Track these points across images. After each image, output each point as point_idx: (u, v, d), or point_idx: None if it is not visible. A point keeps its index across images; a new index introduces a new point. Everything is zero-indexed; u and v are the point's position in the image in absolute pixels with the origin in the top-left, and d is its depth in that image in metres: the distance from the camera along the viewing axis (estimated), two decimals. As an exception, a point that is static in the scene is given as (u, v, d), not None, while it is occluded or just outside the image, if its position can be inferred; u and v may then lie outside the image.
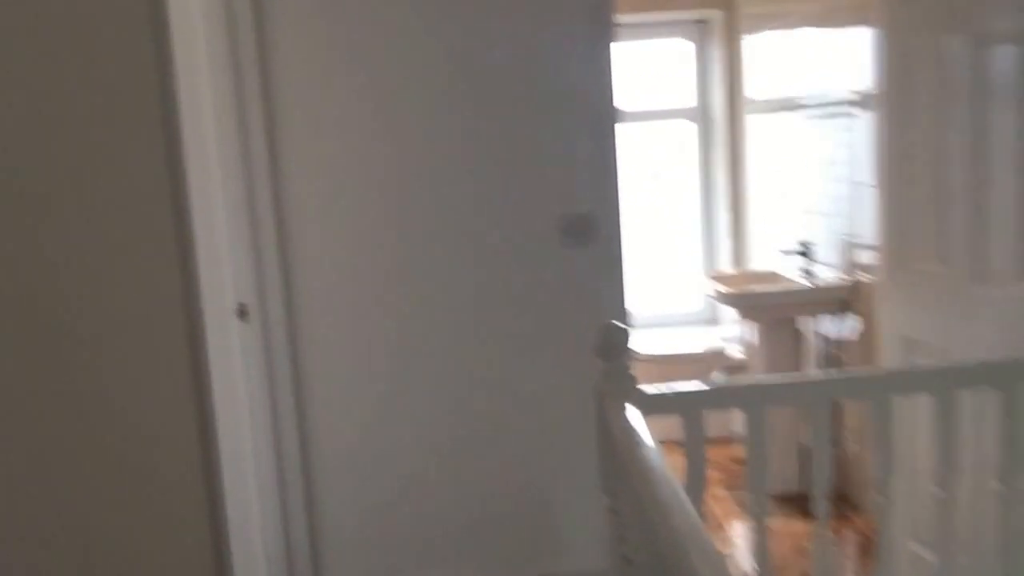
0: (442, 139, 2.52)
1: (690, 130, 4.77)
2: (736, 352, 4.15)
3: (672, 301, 4.87)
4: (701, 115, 4.74)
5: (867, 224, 3.03)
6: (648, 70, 4.75)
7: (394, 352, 2.58)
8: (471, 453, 2.64)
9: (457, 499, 2.65)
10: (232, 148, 2.43)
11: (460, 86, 2.51)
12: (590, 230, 2.53)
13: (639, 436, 1.46)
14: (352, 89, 2.50)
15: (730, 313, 3.77)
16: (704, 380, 4.21)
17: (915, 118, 2.43)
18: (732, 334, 4.30)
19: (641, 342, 4.21)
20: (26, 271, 1.98)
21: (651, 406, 1.75)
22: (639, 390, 1.76)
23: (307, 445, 2.60)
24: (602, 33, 2.49)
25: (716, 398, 1.99)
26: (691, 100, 4.74)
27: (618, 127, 2.52)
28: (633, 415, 1.62)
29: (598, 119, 2.50)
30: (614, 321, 1.76)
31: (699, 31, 4.69)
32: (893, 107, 2.50)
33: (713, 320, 4.74)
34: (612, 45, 2.48)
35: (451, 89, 2.51)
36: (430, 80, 2.50)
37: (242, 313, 2.45)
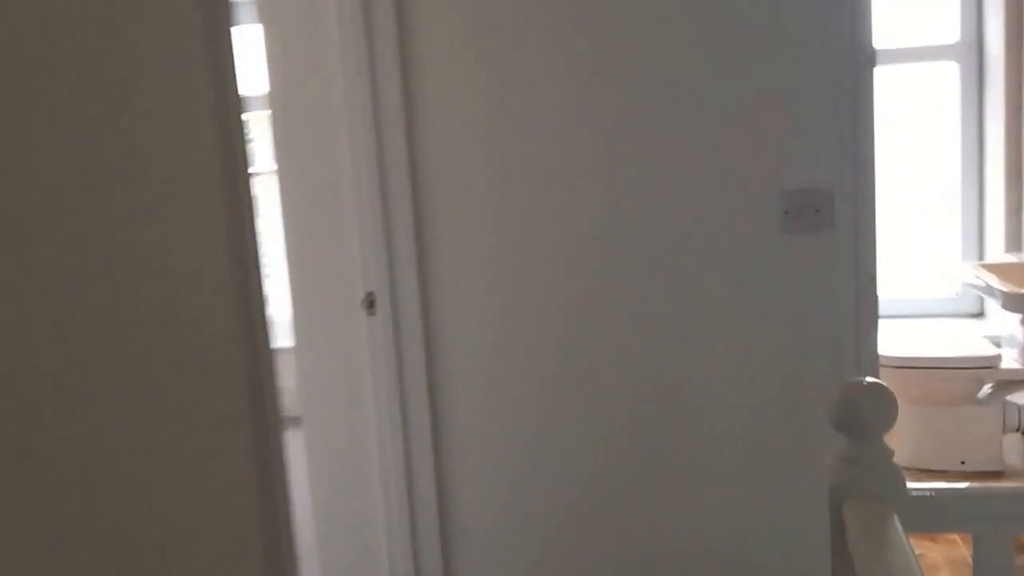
0: (620, 93, 1.84)
1: (951, 73, 3.78)
2: (1013, 361, 3.21)
3: (922, 285, 3.94)
4: (967, 53, 3.74)
5: None
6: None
7: (549, 368, 1.98)
8: (643, 499, 2.00)
9: (622, 555, 2.03)
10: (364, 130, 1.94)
11: (645, 19, 1.83)
12: (826, 211, 1.79)
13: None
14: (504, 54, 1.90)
15: (1009, 314, 2.87)
16: (976, 398, 3.41)
17: None
18: (1004, 333, 3.35)
19: (882, 339, 3.36)
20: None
21: (926, 520, 1.06)
22: (906, 491, 1.07)
23: (443, 472, 2.06)
24: None
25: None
26: (952, 34, 3.75)
27: (873, 69, 1.76)
28: (898, 541, 0.95)
29: (844, 61, 1.75)
30: (868, 379, 1.06)
31: (968, -53, 3.69)
32: None
33: (976, 311, 3.78)
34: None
35: (634, 23, 1.83)
36: (602, 17, 1.84)
37: (370, 304, 1.95)
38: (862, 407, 1.05)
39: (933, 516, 1.07)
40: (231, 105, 0.95)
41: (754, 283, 1.86)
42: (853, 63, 1.75)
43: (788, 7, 1.77)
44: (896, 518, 0.98)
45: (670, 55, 1.82)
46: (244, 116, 0.97)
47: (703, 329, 1.88)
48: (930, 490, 1.10)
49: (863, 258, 1.78)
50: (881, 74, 3.78)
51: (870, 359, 1.80)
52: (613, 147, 1.86)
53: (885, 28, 3.78)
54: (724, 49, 1.80)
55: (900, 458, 3.21)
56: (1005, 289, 2.53)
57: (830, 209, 1.78)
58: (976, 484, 1.25)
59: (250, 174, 1.00)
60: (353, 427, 2.02)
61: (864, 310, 1.79)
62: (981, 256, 3.83)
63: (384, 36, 1.85)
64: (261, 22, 1.97)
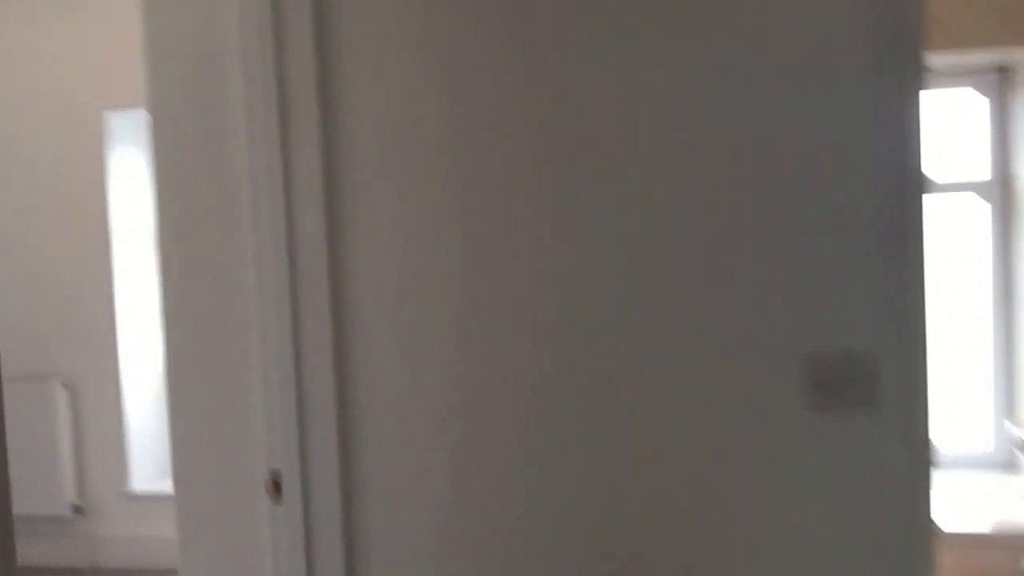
0: (608, 230, 1.48)
1: (982, 210, 3.50)
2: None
3: (953, 435, 3.56)
4: (999, 190, 3.47)
5: None
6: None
7: (509, 567, 1.56)
8: None
9: None
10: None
11: (645, 150, 1.49)
12: (866, 381, 1.42)
13: None
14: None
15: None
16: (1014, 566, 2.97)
17: None
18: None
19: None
20: None
21: None
22: None
23: None
24: (906, 76, 1.42)
25: None
26: (983, 171, 3.48)
27: (925, 210, 1.43)
28: None
29: (896, 201, 1.41)
30: None
31: (996, 81, 3.46)
32: None
33: (1014, 464, 3.39)
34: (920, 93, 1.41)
35: (629, 153, 1.49)
36: (585, 135, 1.50)
37: (275, 486, 1.54)
38: None
39: None
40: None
41: (775, 476, 1.46)
42: (900, 190, 1.42)
43: (813, 124, 1.45)
44: None
45: (662, 179, 1.48)
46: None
47: (719, 521, 1.49)
48: None
49: (914, 439, 1.41)
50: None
51: (923, 566, 1.42)
52: (609, 299, 1.50)
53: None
54: (743, 172, 1.47)
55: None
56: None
57: (872, 380, 1.42)
58: None
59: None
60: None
61: (916, 502, 1.42)
62: (1011, 406, 3.47)
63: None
64: (152, 139, 1.64)
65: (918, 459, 1.39)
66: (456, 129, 1.50)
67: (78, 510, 3.97)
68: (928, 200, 1.43)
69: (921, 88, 1.41)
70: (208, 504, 1.60)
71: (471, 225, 1.51)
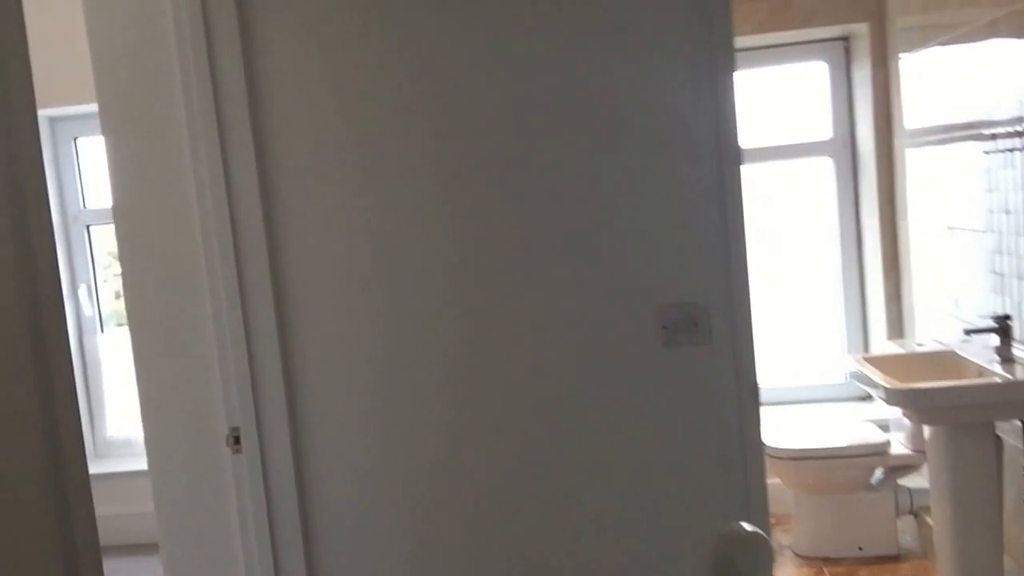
0: (493, 210, 1.79)
1: (827, 169, 3.95)
2: (900, 446, 3.29)
3: (812, 371, 4.03)
4: (842, 150, 3.92)
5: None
6: (767, 100, 3.97)
7: (428, 501, 1.87)
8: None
9: None
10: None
11: (515, 136, 1.80)
12: (703, 324, 1.78)
13: None
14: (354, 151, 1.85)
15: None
16: (868, 484, 3.45)
17: None
18: (891, 416, 3.44)
19: (772, 430, 3.40)
20: None
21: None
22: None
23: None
24: (718, 61, 1.76)
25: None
26: (826, 132, 3.93)
27: (741, 178, 1.78)
28: None
29: (716, 173, 1.76)
30: (741, 525, 1.03)
31: (837, 51, 3.90)
32: None
33: (864, 395, 3.88)
34: (733, 74, 1.76)
35: (504, 139, 1.80)
36: (470, 129, 1.80)
37: (235, 440, 1.83)
38: (736, 559, 1.02)
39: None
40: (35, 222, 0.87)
41: (637, 400, 1.81)
42: (719, 165, 1.76)
43: (647, 108, 1.77)
44: None
45: (540, 180, 1.80)
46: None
47: (584, 445, 1.83)
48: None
49: (743, 372, 1.77)
50: (760, 169, 3.93)
51: (756, 474, 1.79)
52: (485, 259, 1.81)
53: (767, 125, 3.94)
54: (599, 154, 1.78)
55: (798, 547, 3.19)
56: (885, 383, 2.59)
57: (707, 324, 1.78)
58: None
59: (60, 297, 0.91)
60: (217, 557, 1.88)
61: (747, 423, 1.78)
62: (866, 341, 3.95)
63: (242, 150, 1.78)
64: (104, 134, 1.87)
65: (746, 385, 1.76)
66: (362, 130, 1.79)
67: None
68: (743, 170, 1.78)
69: (733, 71, 1.75)
70: (178, 462, 1.86)
71: (378, 207, 1.80)
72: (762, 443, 1.79)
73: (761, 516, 1.79)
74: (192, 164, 1.78)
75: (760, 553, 1.00)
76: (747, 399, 1.76)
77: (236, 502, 1.77)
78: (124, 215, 1.88)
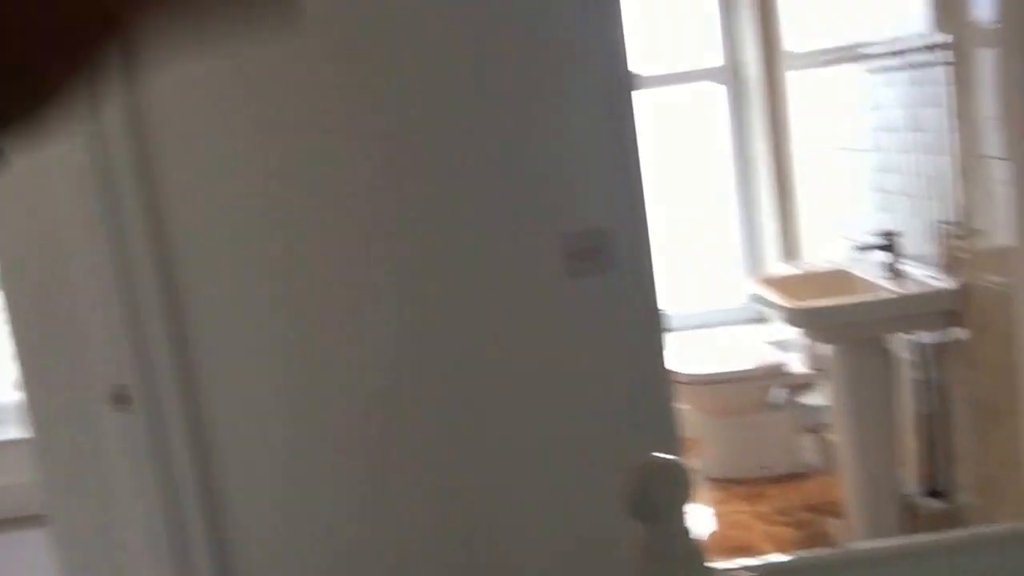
0: (386, 136, 1.71)
1: (719, 94, 3.96)
2: (799, 366, 3.37)
3: (706, 295, 4.08)
4: (732, 76, 3.93)
5: (984, 209, 2.24)
6: (661, 26, 3.94)
7: (344, 448, 1.79)
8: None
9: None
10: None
11: (410, 63, 1.70)
12: (606, 251, 1.74)
13: None
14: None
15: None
16: (766, 401, 3.53)
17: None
18: (788, 336, 3.51)
19: (679, 356, 3.43)
20: None
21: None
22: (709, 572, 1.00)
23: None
24: None
25: None
26: (718, 58, 3.93)
27: (635, 104, 1.73)
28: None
29: (608, 97, 1.70)
30: (656, 455, 0.99)
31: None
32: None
33: (760, 317, 3.96)
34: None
35: (400, 64, 1.70)
36: (361, 49, 1.69)
37: (120, 399, 1.70)
38: (653, 490, 0.97)
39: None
40: None
41: (543, 330, 1.77)
42: (613, 90, 1.70)
43: (544, 34, 1.71)
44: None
45: (434, 106, 1.71)
46: None
47: (490, 383, 1.78)
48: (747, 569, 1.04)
49: (645, 296, 1.74)
50: (655, 96, 3.91)
51: (665, 402, 1.77)
52: (381, 188, 1.72)
53: (661, 53, 3.91)
54: (490, 85, 1.71)
55: (707, 471, 3.24)
56: (780, 302, 2.62)
57: (609, 251, 1.73)
58: (800, 554, 1.24)
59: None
60: (109, 527, 1.76)
61: (652, 347, 1.76)
62: (759, 264, 4.02)
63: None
64: None
65: (647, 310, 1.73)
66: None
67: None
68: (637, 95, 1.73)
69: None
70: (61, 424, 1.73)
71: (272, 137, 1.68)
72: (668, 370, 1.77)
73: (672, 444, 1.78)
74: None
75: (677, 477, 0.96)
76: (652, 325, 1.74)
77: (129, 468, 1.66)
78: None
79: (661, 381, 1.76)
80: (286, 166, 1.70)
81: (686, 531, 0.97)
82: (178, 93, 1.62)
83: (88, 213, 1.65)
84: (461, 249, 1.75)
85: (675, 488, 0.98)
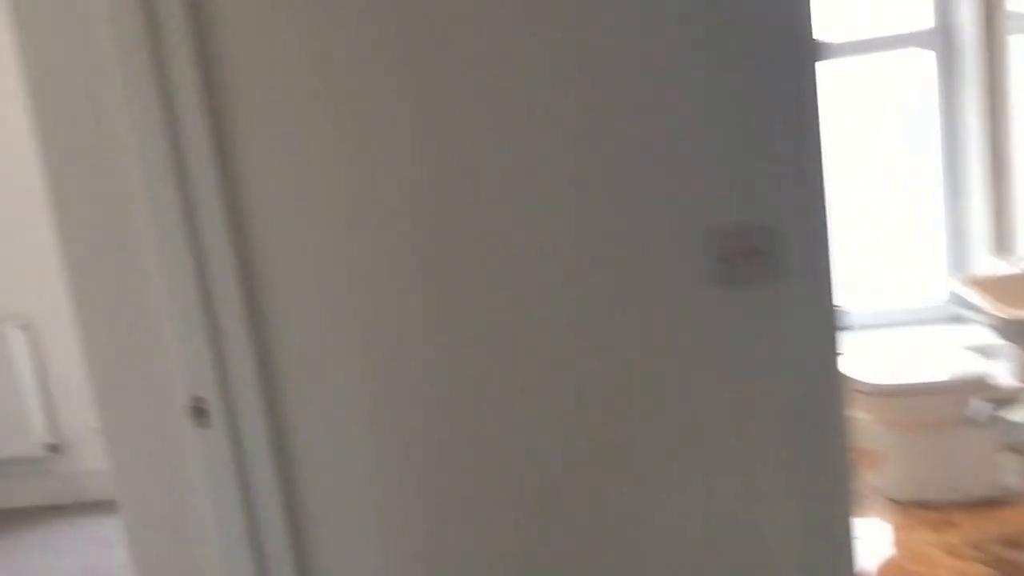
0: (510, 116, 1.47)
1: (927, 62, 3.48)
2: (1005, 376, 2.91)
3: (899, 289, 3.63)
4: (943, 40, 3.43)
5: None
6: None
7: (441, 481, 1.61)
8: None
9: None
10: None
11: (539, 24, 1.47)
12: (770, 254, 1.46)
13: None
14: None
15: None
16: (963, 416, 3.08)
17: None
18: (994, 340, 3.05)
19: (862, 361, 3.04)
20: None
21: None
22: None
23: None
24: None
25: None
26: (927, 20, 3.44)
27: (819, 76, 1.43)
28: None
29: (786, 68, 1.41)
30: None
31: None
32: None
33: (959, 317, 3.48)
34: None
35: (524, 30, 1.48)
36: (502, 24, 1.48)
37: (197, 412, 1.57)
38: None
39: None
40: None
41: (684, 352, 1.50)
42: (790, 61, 1.41)
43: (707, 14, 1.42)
44: None
45: (565, 85, 1.47)
46: None
47: (606, 418, 1.53)
48: None
49: (820, 305, 1.45)
50: (849, 65, 3.49)
51: (835, 421, 1.48)
52: (497, 172, 1.50)
53: (857, 15, 3.48)
54: (637, 50, 1.45)
55: (888, 491, 2.84)
56: (1000, 314, 2.22)
57: (776, 253, 1.44)
58: None
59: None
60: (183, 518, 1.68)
61: (825, 362, 1.47)
62: (965, 258, 3.53)
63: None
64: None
65: (824, 325, 1.43)
66: (330, 45, 1.49)
67: (53, 448, 4.05)
68: (823, 66, 1.43)
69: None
70: (138, 436, 1.65)
71: (351, 144, 1.51)
72: (842, 385, 1.47)
73: (842, 467, 1.49)
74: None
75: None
76: (826, 337, 1.44)
77: (208, 485, 1.55)
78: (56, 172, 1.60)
79: (834, 398, 1.46)
80: (383, 165, 1.52)
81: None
82: (266, 107, 1.48)
83: (165, 216, 1.53)
84: (600, 248, 1.50)
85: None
